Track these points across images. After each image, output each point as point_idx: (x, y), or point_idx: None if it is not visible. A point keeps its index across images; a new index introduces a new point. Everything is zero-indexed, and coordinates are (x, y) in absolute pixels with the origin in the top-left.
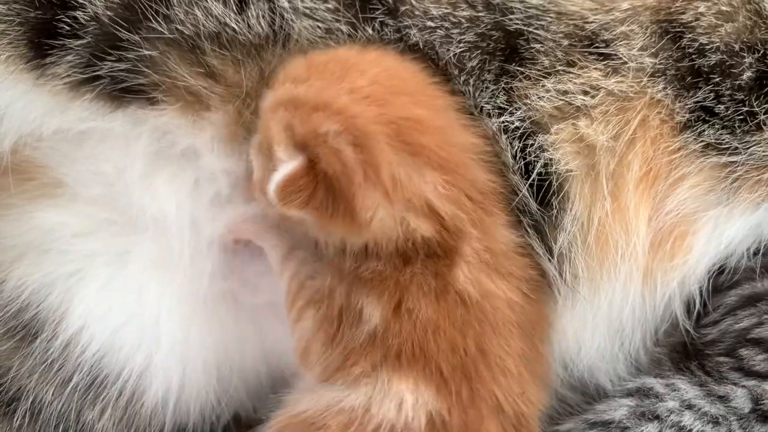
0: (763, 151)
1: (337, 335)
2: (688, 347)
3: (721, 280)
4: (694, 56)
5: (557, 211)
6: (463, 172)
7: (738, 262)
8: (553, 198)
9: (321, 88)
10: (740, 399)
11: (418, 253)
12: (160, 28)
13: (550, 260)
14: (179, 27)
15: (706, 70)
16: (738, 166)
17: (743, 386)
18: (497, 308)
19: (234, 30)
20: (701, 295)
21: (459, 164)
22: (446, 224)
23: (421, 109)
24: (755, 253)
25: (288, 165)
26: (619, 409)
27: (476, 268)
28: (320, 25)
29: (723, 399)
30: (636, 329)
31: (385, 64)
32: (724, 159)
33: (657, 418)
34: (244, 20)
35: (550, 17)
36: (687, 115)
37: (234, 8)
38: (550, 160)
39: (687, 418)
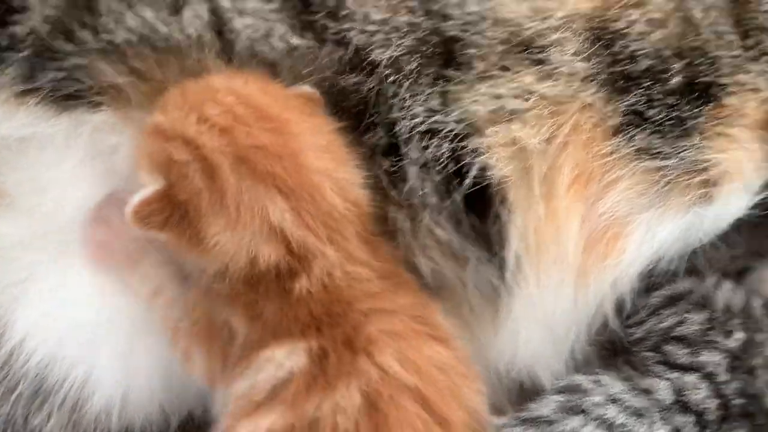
0: (693, 156)
1: (226, 355)
2: (617, 344)
3: (649, 281)
4: (625, 61)
5: (493, 215)
6: (316, 197)
7: (668, 265)
8: (488, 201)
9: (177, 117)
10: (663, 391)
11: (267, 275)
12: (90, 38)
13: (488, 264)
14: (108, 36)
15: (636, 75)
16: (669, 170)
17: (666, 378)
18: None
19: (166, 33)
20: (631, 296)
21: (311, 190)
22: (293, 249)
23: (274, 136)
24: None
25: (147, 189)
26: (548, 405)
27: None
28: (261, 25)
29: (646, 392)
30: (570, 329)
31: (247, 91)
32: (656, 163)
33: (582, 411)
34: (177, 23)
35: (487, 24)
36: (619, 119)
37: (168, 11)
38: (486, 164)
39: (611, 411)
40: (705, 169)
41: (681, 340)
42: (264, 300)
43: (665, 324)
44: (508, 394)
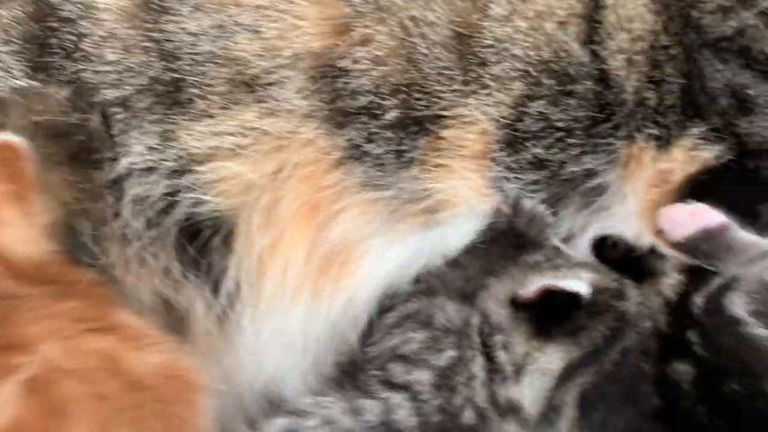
0: (413, 187)
1: None
2: (354, 365)
3: (386, 303)
4: (346, 98)
5: (213, 246)
6: None
7: (403, 287)
8: (211, 237)
9: None
10: (371, 412)
11: None
12: None
13: (214, 292)
14: None
15: (355, 111)
16: (392, 199)
17: (380, 398)
18: None
19: None
20: (372, 316)
21: None
22: None
23: None
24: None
25: None
26: (270, 429)
27: None
28: None
29: (356, 412)
30: (308, 349)
31: None
32: (379, 194)
33: None
34: None
35: (215, 63)
36: (340, 154)
37: None
38: (200, 199)
39: None
40: (425, 198)
41: (402, 358)
42: None
43: (392, 343)
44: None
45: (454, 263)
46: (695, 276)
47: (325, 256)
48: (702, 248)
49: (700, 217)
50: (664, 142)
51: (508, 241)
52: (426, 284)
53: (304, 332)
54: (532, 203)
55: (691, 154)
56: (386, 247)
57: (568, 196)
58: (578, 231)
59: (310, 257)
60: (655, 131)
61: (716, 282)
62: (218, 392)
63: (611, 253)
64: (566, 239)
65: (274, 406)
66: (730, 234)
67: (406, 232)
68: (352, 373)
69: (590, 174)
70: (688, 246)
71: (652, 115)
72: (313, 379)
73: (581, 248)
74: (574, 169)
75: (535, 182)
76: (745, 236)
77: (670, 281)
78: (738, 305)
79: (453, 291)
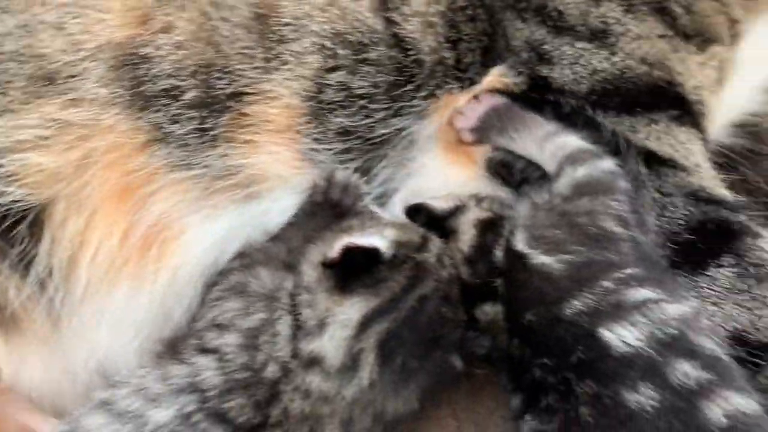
0: (222, 163)
1: None
2: (179, 339)
3: (213, 279)
4: (147, 83)
5: (24, 239)
6: None
7: (229, 261)
8: (15, 226)
9: None
10: (178, 376)
11: None
12: None
13: (24, 284)
14: None
15: (155, 94)
16: (203, 177)
17: (188, 363)
18: None
19: None
20: (199, 291)
21: None
22: None
23: None
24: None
25: None
26: (91, 402)
27: None
28: None
29: (165, 378)
30: (140, 327)
31: None
32: (189, 173)
33: (107, 403)
34: None
35: (18, 61)
36: (144, 137)
37: None
38: (4, 191)
39: (127, 402)
40: (235, 174)
41: (217, 326)
42: None
43: (212, 314)
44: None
45: (277, 237)
46: (491, 229)
47: (143, 238)
48: (495, 126)
49: (485, 100)
50: (466, 89)
51: (326, 212)
52: (249, 258)
53: (129, 312)
54: (345, 174)
55: (494, 82)
56: (203, 224)
57: (381, 157)
58: (392, 190)
59: (126, 240)
60: (455, 85)
61: (507, 229)
62: (53, 376)
63: (420, 217)
64: (382, 198)
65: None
66: (514, 109)
67: (221, 209)
68: (175, 345)
69: (399, 134)
70: (484, 127)
71: (452, 73)
72: (144, 355)
73: (397, 205)
74: (383, 131)
75: (345, 150)
76: (530, 113)
77: (467, 237)
78: (520, 241)
79: (278, 262)
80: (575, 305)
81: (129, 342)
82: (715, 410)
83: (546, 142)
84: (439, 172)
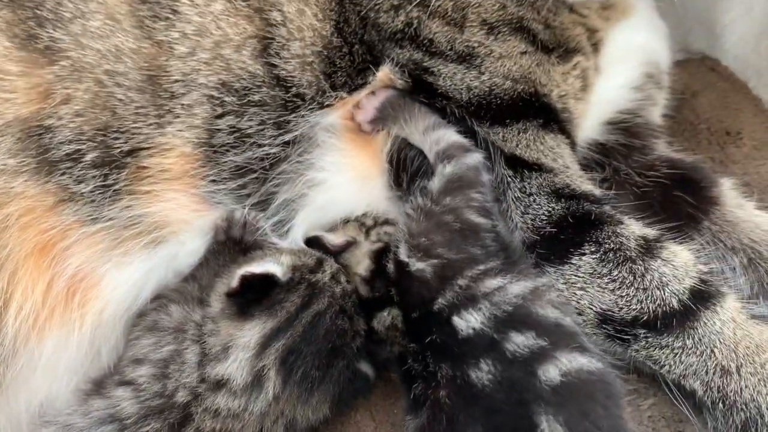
0: (127, 214)
1: None
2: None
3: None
4: (51, 150)
5: None
6: None
7: (149, 303)
8: None
9: None
10: (97, 409)
11: None
12: None
13: None
14: None
15: (58, 160)
16: (110, 229)
17: (107, 396)
18: None
19: None
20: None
21: None
22: None
23: None
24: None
25: None
26: None
27: None
28: None
29: (87, 412)
30: (75, 372)
31: None
32: (97, 226)
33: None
34: None
35: None
36: (54, 198)
37: None
38: None
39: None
40: (139, 223)
41: (135, 361)
42: None
43: (131, 352)
44: None
45: (190, 276)
46: (384, 253)
47: (66, 288)
48: (390, 114)
49: (380, 94)
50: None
51: (231, 248)
52: (165, 298)
53: (61, 357)
54: (242, 212)
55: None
56: (118, 270)
57: (281, 185)
58: (293, 212)
59: (49, 292)
60: (345, 92)
61: (394, 243)
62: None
63: (316, 248)
64: (283, 223)
65: None
66: (407, 99)
67: (132, 255)
68: (101, 383)
69: (296, 160)
70: (381, 116)
71: (333, 93)
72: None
73: (300, 226)
74: (275, 158)
75: (242, 186)
76: (419, 106)
77: (363, 266)
78: (402, 252)
79: (191, 298)
80: (440, 301)
81: (66, 384)
82: (552, 371)
83: (427, 135)
84: (345, 187)
